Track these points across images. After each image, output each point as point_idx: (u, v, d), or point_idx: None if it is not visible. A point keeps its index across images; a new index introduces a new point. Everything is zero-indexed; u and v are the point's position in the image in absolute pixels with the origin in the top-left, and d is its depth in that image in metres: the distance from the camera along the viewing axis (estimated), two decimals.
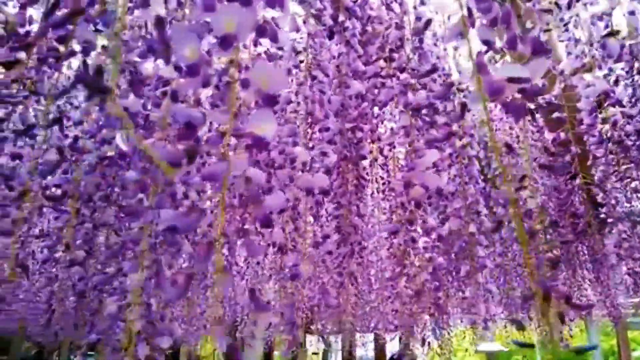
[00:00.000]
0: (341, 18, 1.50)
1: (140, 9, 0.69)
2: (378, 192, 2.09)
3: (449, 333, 3.48)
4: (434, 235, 1.38)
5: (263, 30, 0.61)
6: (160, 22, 0.48)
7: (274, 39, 0.66)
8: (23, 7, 1.01)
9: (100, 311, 1.36)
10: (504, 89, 0.60)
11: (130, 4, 0.87)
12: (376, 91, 1.59)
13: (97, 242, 1.22)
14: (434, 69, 0.97)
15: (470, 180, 1.54)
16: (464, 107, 0.58)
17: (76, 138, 0.91)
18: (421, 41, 1.23)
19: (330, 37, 1.55)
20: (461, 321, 3.81)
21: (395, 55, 1.47)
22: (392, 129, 2.41)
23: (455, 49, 1.77)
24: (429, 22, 0.68)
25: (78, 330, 1.35)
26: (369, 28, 1.59)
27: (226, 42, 0.57)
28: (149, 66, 0.87)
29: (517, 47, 0.70)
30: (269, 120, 0.56)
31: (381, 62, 1.65)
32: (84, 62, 0.67)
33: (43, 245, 1.23)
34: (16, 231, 0.78)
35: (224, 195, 0.56)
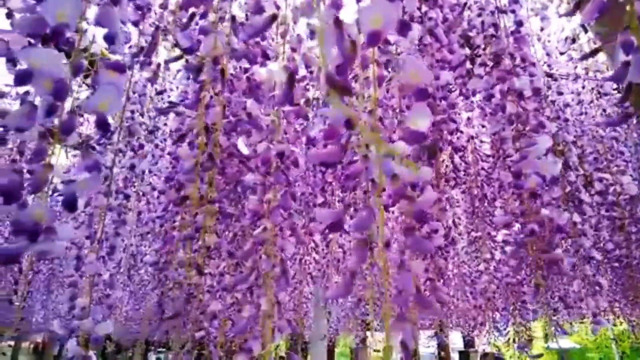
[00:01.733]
0: (424, 8, 1.47)
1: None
2: (459, 185, 2.03)
3: (529, 329, 3.33)
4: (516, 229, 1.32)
5: (404, 25, 0.60)
6: (338, 22, 0.48)
7: (406, 33, 0.65)
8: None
9: (205, 312, 1.41)
10: None
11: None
12: (461, 80, 1.55)
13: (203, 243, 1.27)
14: (597, 50, 0.92)
15: (570, 167, 1.45)
16: (629, 88, 0.54)
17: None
18: (520, 24, 1.18)
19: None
20: (540, 315, 3.62)
21: (473, 41, 1.42)
22: (468, 118, 2.34)
23: (542, 29, 1.69)
24: (579, 4, 0.63)
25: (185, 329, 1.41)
26: (450, 16, 1.54)
27: (373, 38, 0.57)
28: (262, 71, 0.89)
29: None
30: (424, 114, 0.55)
31: (467, 50, 1.60)
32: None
33: (155, 249, 1.30)
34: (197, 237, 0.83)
35: (380, 194, 0.56)
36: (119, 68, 0.62)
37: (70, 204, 0.54)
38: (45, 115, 0.59)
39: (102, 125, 0.58)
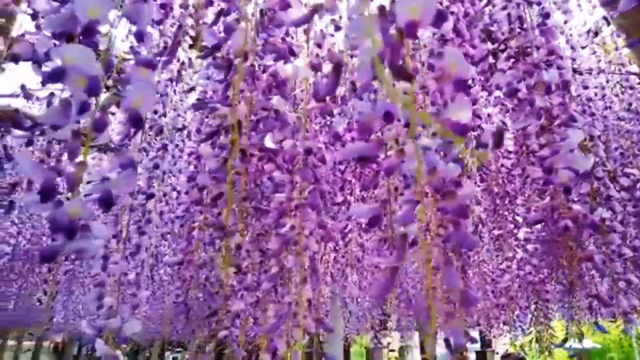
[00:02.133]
0: (445, 2, 1.45)
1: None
2: (482, 181, 2.00)
3: (550, 328, 3.27)
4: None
5: (441, 15, 0.58)
6: (383, 10, 0.47)
7: (440, 25, 0.63)
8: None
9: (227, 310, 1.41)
10: None
11: None
12: (483, 76, 1.52)
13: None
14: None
15: (597, 163, 1.42)
16: None
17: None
18: (547, 16, 1.15)
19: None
20: (563, 315, 3.55)
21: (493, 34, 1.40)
22: (489, 115, 2.30)
23: (565, 22, 1.65)
24: None
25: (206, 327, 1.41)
26: (471, 10, 1.52)
27: (411, 28, 0.55)
28: (288, 68, 0.88)
29: None
30: (465, 105, 0.53)
31: (489, 45, 1.57)
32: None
33: (178, 248, 1.30)
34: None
35: (421, 189, 0.55)
36: (150, 65, 0.61)
37: (106, 203, 0.54)
38: (78, 113, 0.59)
39: (136, 122, 0.58)
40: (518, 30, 1.17)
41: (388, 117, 0.53)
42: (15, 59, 1.04)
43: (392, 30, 0.46)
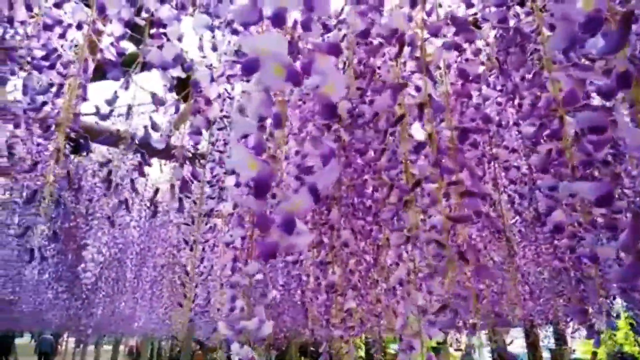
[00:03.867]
0: None
1: None
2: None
3: None
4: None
5: None
6: None
7: None
8: None
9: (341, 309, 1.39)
10: None
11: None
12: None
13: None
14: None
15: None
16: None
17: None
18: None
19: (522, 4, 1.42)
20: None
21: None
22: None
23: None
24: None
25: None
26: None
27: None
28: (430, 49, 0.84)
29: None
30: None
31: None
32: None
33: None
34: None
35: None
36: (332, 50, 0.58)
37: (314, 196, 0.51)
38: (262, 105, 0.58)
39: (329, 110, 0.55)
40: None
41: (624, 79, 0.47)
42: (147, 67, 1.06)
43: None
